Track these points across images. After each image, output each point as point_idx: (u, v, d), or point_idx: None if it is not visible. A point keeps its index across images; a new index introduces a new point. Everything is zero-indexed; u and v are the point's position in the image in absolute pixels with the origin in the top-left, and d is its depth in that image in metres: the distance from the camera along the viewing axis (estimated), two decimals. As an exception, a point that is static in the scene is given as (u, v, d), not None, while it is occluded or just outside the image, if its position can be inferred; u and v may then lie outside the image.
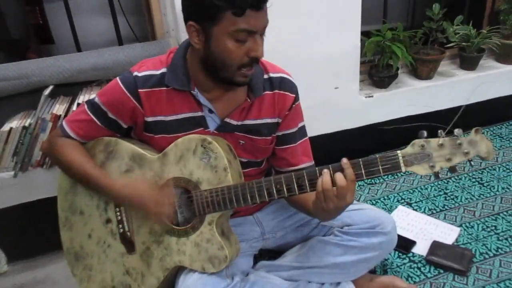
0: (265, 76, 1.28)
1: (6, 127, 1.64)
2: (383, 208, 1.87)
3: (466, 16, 2.32)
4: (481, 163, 2.10)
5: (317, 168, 1.11)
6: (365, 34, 2.07)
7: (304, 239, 1.48)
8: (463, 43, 2.20)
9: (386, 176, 2.07)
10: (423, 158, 1.03)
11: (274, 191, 1.14)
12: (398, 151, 1.05)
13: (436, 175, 1.06)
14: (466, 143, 1.01)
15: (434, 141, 1.03)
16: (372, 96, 2.10)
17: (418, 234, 1.69)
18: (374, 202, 1.91)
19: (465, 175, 2.03)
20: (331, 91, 2.03)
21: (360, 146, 2.22)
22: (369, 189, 2.00)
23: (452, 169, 1.04)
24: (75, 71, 1.69)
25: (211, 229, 1.19)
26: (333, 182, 1.07)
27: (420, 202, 1.88)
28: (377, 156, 1.06)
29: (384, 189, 1.99)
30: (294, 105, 1.32)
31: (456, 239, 1.65)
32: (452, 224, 1.73)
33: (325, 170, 1.08)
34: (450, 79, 2.24)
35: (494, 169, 2.06)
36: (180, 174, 1.20)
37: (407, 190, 1.96)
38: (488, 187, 1.94)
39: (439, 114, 2.25)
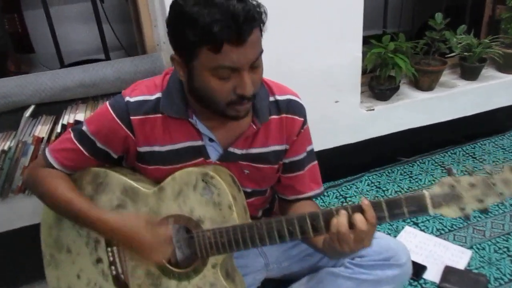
0: (271, 99, 1.17)
1: (-17, 151, 1.50)
2: (389, 228, 1.78)
3: (467, 25, 2.25)
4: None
5: (333, 208, 1.00)
6: (363, 40, 1.98)
7: (312, 269, 1.38)
8: (465, 53, 2.13)
9: (390, 194, 1.99)
10: (453, 199, 0.94)
11: (286, 233, 1.03)
12: (425, 191, 0.95)
13: (467, 217, 0.97)
14: (500, 182, 0.92)
15: (464, 180, 0.94)
16: (373, 109, 2.02)
17: (428, 258, 1.61)
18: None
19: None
20: (331, 105, 1.93)
21: (361, 161, 2.14)
22: (373, 207, 1.91)
23: (484, 210, 0.95)
24: (59, 89, 1.56)
25: (215, 273, 1.08)
26: (351, 224, 0.97)
27: (427, 222, 1.80)
28: (402, 196, 0.96)
29: (388, 207, 1.90)
30: (302, 130, 1.21)
31: (468, 263, 1.57)
32: (462, 245, 1.65)
33: (343, 212, 0.98)
34: (451, 90, 2.17)
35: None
36: (179, 211, 1.08)
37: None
38: (495, 204, 1.86)
39: (441, 126, 2.17)
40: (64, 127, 1.51)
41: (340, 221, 0.97)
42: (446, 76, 2.28)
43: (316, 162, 1.29)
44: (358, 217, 0.96)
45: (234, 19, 0.89)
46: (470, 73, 2.22)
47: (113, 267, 1.15)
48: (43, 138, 1.50)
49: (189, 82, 1.01)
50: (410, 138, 2.16)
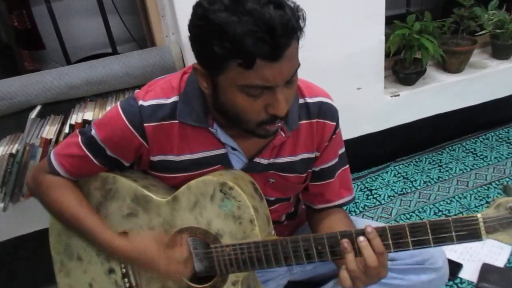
0: (301, 101, 1.04)
1: (-9, 155, 1.44)
2: (419, 223, 1.66)
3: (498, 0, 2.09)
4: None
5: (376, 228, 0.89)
6: (386, 21, 1.85)
7: (336, 273, 1.28)
8: (497, 30, 1.97)
9: (418, 185, 1.87)
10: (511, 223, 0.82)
11: (315, 253, 0.92)
12: (478, 214, 0.83)
13: None
14: None
15: None
16: (398, 95, 1.89)
17: (463, 255, 1.49)
18: (408, 216, 1.71)
19: (509, 180, 1.82)
20: (353, 93, 1.81)
21: (386, 150, 2.03)
22: (401, 200, 1.80)
23: None
24: (65, 87, 1.48)
25: (236, 291, 0.99)
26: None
27: (461, 214, 1.67)
28: (450, 219, 0.84)
29: (417, 199, 1.79)
30: (334, 135, 1.09)
31: (508, 259, 1.46)
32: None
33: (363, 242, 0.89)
34: (482, 71, 2.02)
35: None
36: (195, 223, 0.99)
37: (444, 200, 1.76)
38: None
39: (472, 110, 2.03)
40: (72, 127, 1.44)
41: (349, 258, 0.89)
42: (476, 56, 2.13)
43: (347, 166, 1.18)
44: (367, 253, 0.88)
45: (269, 31, 0.76)
46: (502, 52, 2.06)
47: (126, 280, 1.07)
48: (51, 139, 1.44)
49: (214, 96, 0.89)
50: (438, 124, 2.03)
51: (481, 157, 1.98)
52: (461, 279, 1.42)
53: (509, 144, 2.03)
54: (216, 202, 0.97)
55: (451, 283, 1.41)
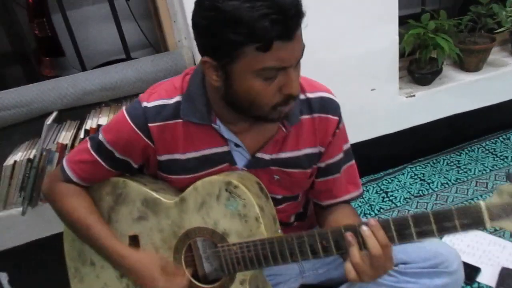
0: (302, 97, 1.05)
1: (10, 161, 1.48)
2: (436, 226, 1.63)
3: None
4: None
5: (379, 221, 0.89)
6: (400, 21, 1.82)
7: (350, 276, 1.27)
8: (516, 27, 1.92)
9: (436, 187, 1.83)
10: None
11: (320, 248, 0.92)
12: (481, 202, 0.82)
13: None
14: None
15: None
16: (414, 96, 1.86)
17: (482, 258, 1.46)
18: (424, 219, 1.68)
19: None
20: (367, 94, 1.79)
21: (403, 152, 2.00)
22: (417, 202, 1.77)
23: None
24: (80, 93, 1.52)
25: (244, 289, 0.99)
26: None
27: (479, 217, 1.64)
28: (453, 208, 0.83)
29: (434, 201, 1.75)
30: (337, 130, 1.09)
31: (529, 264, 1.41)
32: (521, 244, 1.49)
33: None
34: (502, 69, 1.97)
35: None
36: (203, 223, 1.00)
37: (462, 203, 1.72)
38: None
39: (492, 109, 1.98)
40: (87, 132, 1.47)
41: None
42: (495, 54, 2.08)
43: (353, 161, 1.18)
44: (371, 243, 0.87)
45: (283, 13, 0.79)
46: (522, 49, 2.01)
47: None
48: (66, 145, 1.47)
49: (226, 87, 0.91)
50: (456, 124, 1.99)
51: (501, 157, 1.93)
52: (479, 283, 1.39)
53: (531, 144, 1.98)
54: (222, 201, 0.98)
55: (468, 287, 1.38)
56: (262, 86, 0.87)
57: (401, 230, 0.88)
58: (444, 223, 0.84)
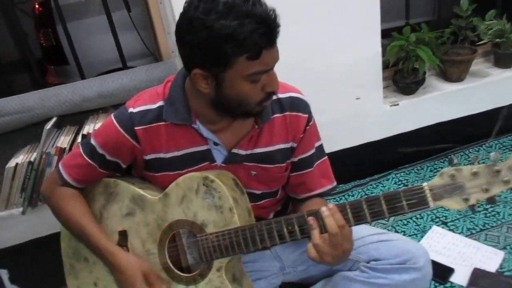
0: (273, 97, 1.15)
1: (12, 163, 1.58)
2: (415, 229, 1.71)
3: (500, 9, 2.12)
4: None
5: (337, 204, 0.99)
6: (386, 33, 1.91)
7: (329, 273, 1.35)
8: (497, 40, 2.00)
9: (417, 192, 1.90)
10: (455, 190, 0.89)
11: (286, 233, 1.02)
12: (424, 183, 0.91)
13: (473, 208, 0.91)
14: (505, 169, 0.86)
15: (466, 170, 0.88)
16: (397, 105, 1.94)
17: (456, 260, 1.53)
18: (405, 222, 1.75)
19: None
20: (352, 103, 1.88)
21: (388, 159, 2.07)
22: (399, 206, 1.84)
23: (491, 200, 0.89)
24: (79, 100, 1.62)
25: (220, 276, 1.08)
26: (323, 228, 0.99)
27: (457, 221, 1.71)
28: (400, 190, 0.93)
29: (416, 206, 1.82)
30: (308, 126, 1.19)
31: (501, 265, 1.48)
32: (494, 246, 1.56)
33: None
34: (484, 79, 2.05)
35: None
36: (183, 216, 1.10)
37: (442, 207, 1.79)
38: (504, 192, 1.74)
39: (474, 119, 2.06)
40: (84, 137, 1.56)
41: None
42: (479, 65, 2.16)
43: (326, 157, 1.27)
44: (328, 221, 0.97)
45: (268, 25, 0.93)
46: (504, 60, 2.08)
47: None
48: (65, 148, 1.56)
49: (216, 92, 1.02)
50: (440, 132, 2.06)
51: (483, 164, 2.00)
52: (451, 283, 1.45)
53: (512, 152, 2.05)
54: (200, 195, 1.07)
55: (441, 287, 1.45)
56: (250, 87, 0.99)
57: (356, 212, 0.98)
58: (393, 204, 0.94)
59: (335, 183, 1.28)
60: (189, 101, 1.10)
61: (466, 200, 0.90)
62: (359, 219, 0.98)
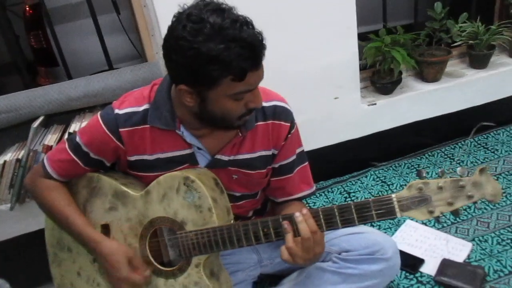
0: None
1: (0, 161, 1.63)
2: (390, 222, 1.77)
3: (474, 12, 2.20)
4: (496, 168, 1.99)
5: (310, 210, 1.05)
6: (364, 37, 1.98)
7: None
8: (471, 41, 2.08)
9: (395, 188, 1.98)
10: (421, 202, 0.95)
11: (261, 235, 1.08)
12: (393, 195, 0.97)
13: (437, 219, 0.98)
14: (469, 185, 0.93)
15: (433, 183, 0.95)
16: (375, 104, 2.01)
17: (427, 251, 1.60)
18: (381, 217, 1.82)
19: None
20: (331, 102, 1.95)
21: (367, 156, 2.14)
22: (376, 202, 1.91)
23: (455, 213, 0.96)
24: (65, 100, 1.67)
25: (198, 272, 1.14)
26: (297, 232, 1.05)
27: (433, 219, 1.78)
28: (370, 200, 0.99)
29: (392, 201, 1.89)
30: (290, 134, 1.24)
31: (468, 256, 1.55)
32: (464, 238, 1.63)
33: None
34: (459, 79, 2.12)
35: (511, 174, 1.93)
36: (164, 213, 1.15)
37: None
38: (504, 195, 1.82)
39: (449, 118, 2.14)
40: (70, 135, 1.62)
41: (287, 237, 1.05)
42: (454, 66, 2.23)
43: (306, 163, 1.32)
44: (301, 226, 1.03)
45: (253, 49, 0.95)
46: (478, 61, 2.16)
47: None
48: (52, 146, 1.61)
49: (200, 107, 1.06)
50: (417, 131, 2.13)
51: (458, 162, 2.08)
52: (421, 273, 1.52)
53: (486, 150, 2.12)
54: (181, 194, 1.13)
55: (411, 276, 1.52)
56: (233, 105, 1.04)
57: (328, 219, 1.04)
58: (363, 213, 1.00)
59: (314, 188, 1.33)
60: (174, 107, 1.13)
61: (431, 212, 0.96)
62: (331, 225, 1.04)
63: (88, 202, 1.25)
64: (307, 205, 1.80)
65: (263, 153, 1.23)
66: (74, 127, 1.65)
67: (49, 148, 1.61)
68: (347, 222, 1.02)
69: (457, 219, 1.73)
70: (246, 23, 0.96)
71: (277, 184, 1.30)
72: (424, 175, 0.98)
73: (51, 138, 1.64)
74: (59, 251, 1.31)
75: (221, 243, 1.10)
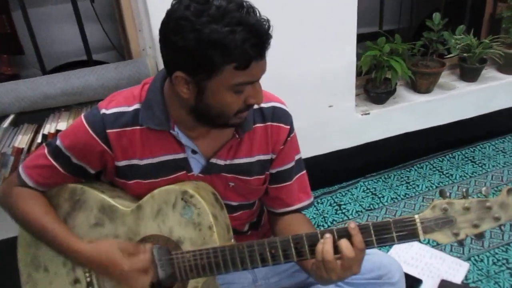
0: (255, 106, 1.10)
1: (-38, 163, 1.45)
2: (384, 238, 1.72)
3: (467, 25, 2.18)
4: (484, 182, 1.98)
5: (319, 231, 0.94)
6: (358, 38, 1.92)
7: (302, 286, 1.32)
8: (464, 54, 2.06)
9: (386, 201, 1.93)
10: (446, 224, 0.88)
11: (269, 257, 0.97)
12: (416, 216, 0.89)
13: (461, 242, 0.91)
14: (496, 206, 0.86)
15: (458, 204, 0.88)
16: (368, 113, 1.95)
17: (424, 271, 1.55)
18: (374, 232, 1.76)
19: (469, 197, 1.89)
20: (325, 110, 1.87)
21: (357, 166, 2.09)
22: (368, 216, 1.85)
23: (479, 236, 0.89)
24: (40, 97, 1.50)
25: (195, 296, 1.02)
26: (336, 250, 0.91)
27: (424, 231, 1.73)
28: (391, 220, 0.90)
29: (384, 215, 1.84)
30: (289, 138, 1.15)
31: (466, 276, 1.52)
32: (459, 257, 1.60)
33: (327, 235, 0.92)
34: (450, 92, 2.11)
35: (500, 190, 1.92)
36: (158, 231, 1.03)
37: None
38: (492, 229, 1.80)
39: (439, 130, 2.11)
40: (45, 137, 1.46)
41: (326, 248, 0.91)
42: (445, 78, 2.22)
43: (304, 171, 1.23)
44: (344, 244, 0.90)
45: (260, 36, 0.87)
46: (469, 74, 2.15)
47: (90, 289, 1.09)
48: (23, 149, 1.45)
49: (196, 100, 0.95)
50: (407, 142, 2.10)
51: (447, 175, 2.05)
52: (420, 294, 1.48)
53: (474, 163, 2.11)
54: (178, 210, 1.01)
55: (410, 298, 1.46)
56: (233, 98, 0.93)
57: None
58: (382, 234, 0.91)
59: (312, 199, 1.24)
60: (167, 106, 1.03)
61: (456, 234, 0.89)
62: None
63: (70, 217, 1.10)
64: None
65: (262, 157, 1.14)
66: (49, 127, 1.49)
67: (19, 151, 1.45)
68: (366, 244, 0.93)
69: (451, 236, 1.70)
70: (252, 9, 0.89)
71: (275, 193, 1.20)
72: (447, 194, 0.91)
73: (21, 140, 1.48)
74: (33, 271, 1.15)
75: (223, 265, 0.99)
